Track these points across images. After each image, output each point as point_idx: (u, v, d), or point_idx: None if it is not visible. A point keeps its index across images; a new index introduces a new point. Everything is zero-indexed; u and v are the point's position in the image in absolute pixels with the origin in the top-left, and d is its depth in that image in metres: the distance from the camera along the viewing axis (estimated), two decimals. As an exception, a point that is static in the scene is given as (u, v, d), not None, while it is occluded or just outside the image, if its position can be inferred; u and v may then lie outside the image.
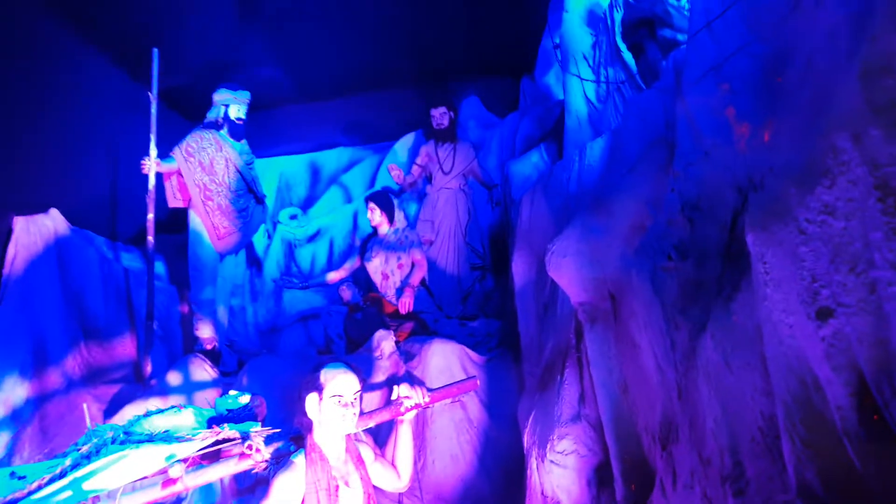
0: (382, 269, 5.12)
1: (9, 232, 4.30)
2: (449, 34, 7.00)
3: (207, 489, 3.23)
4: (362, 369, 2.57)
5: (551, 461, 2.88)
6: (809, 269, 1.40)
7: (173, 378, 4.20)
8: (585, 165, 3.67)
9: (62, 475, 2.04)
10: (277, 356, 5.12)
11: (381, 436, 3.23)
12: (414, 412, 2.60)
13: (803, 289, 1.41)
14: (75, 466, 2.06)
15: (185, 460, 2.22)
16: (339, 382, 2.39)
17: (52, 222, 4.51)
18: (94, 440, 2.15)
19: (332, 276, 5.36)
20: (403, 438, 2.62)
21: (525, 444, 3.27)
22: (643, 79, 4.33)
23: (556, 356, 3.29)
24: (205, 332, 5.06)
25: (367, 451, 2.56)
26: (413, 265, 5.10)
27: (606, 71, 4.79)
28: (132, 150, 5.26)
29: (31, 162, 4.69)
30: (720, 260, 2.10)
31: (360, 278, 5.61)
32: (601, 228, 2.86)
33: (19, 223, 4.34)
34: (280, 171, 8.30)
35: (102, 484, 2.06)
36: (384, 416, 2.59)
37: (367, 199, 5.23)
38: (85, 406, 2.88)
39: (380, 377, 3.94)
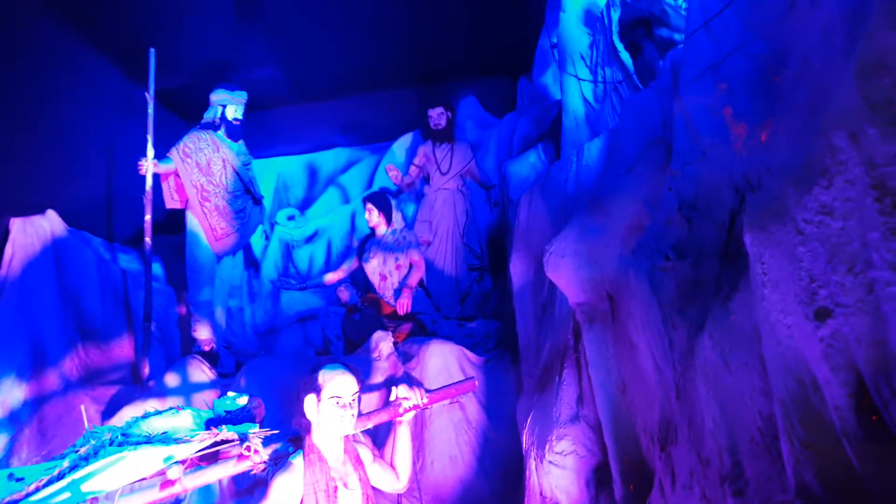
0: (380, 269, 5.12)
1: (5, 233, 4.29)
2: (446, 34, 7.00)
3: (206, 490, 3.22)
4: (360, 370, 2.56)
5: (550, 462, 2.88)
6: (807, 270, 1.40)
7: (171, 379, 4.20)
8: (583, 165, 3.67)
9: (60, 477, 2.04)
10: (275, 357, 5.13)
11: (379, 437, 3.23)
12: (412, 413, 2.60)
13: (801, 289, 1.41)
14: (73, 468, 2.06)
15: (183, 462, 2.22)
16: (338, 383, 2.39)
17: (49, 223, 4.50)
18: (93, 442, 2.15)
19: (330, 277, 5.35)
20: (402, 439, 2.62)
21: (524, 445, 3.27)
22: (640, 78, 4.33)
23: (555, 357, 3.29)
24: (202, 333, 5.05)
25: (365, 452, 2.56)
26: (411, 266, 5.10)
27: (604, 71, 4.79)
28: (129, 150, 5.25)
29: (27, 163, 4.68)
30: (718, 260, 2.10)
31: (358, 279, 5.60)
32: (599, 229, 2.86)
33: (16, 224, 4.33)
34: (278, 172, 8.29)
35: (101, 485, 2.06)
36: (382, 418, 2.59)
37: (365, 200, 5.23)
38: (83, 408, 2.88)
39: (378, 378, 3.94)
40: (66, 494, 2.01)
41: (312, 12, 6.22)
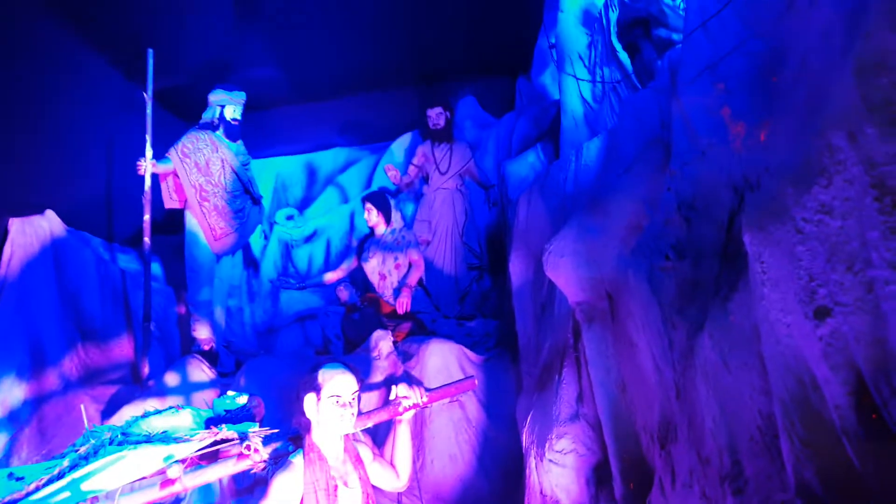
0: (380, 269, 5.12)
1: (5, 233, 4.29)
2: (445, 34, 6.99)
3: (206, 489, 3.23)
4: (360, 369, 2.57)
5: (550, 460, 2.89)
6: (807, 269, 1.40)
7: (171, 379, 4.20)
8: (582, 165, 3.67)
9: (60, 476, 2.04)
10: (275, 357, 5.13)
11: (379, 436, 3.23)
12: (412, 412, 2.60)
13: (800, 288, 1.41)
14: (73, 467, 2.06)
15: (183, 461, 2.22)
16: (337, 383, 2.39)
17: (48, 223, 4.50)
18: (92, 441, 2.15)
19: (330, 277, 5.36)
20: (402, 438, 2.63)
21: (523, 444, 3.28)
22: (639, 78, 4.34)
23: (554, 356, 3.29)
24: (202, 332, 5.05)
25: (365, 451, 2.56)
26: (410, 265, 5.10)
27: (602, 71, 4.80)
28: (128, 151, 5.24)
29: (26, 163, 4.67)
30: (717, 259, 2.10)
31: (358, 279, 5.60)
32: (598, 228, 2.87)
33: (15, 224, 4.33)
34: (276, 172, 8.29)
35: (101, 485, 2.06)
36: (382, 416, 2.59)
37: (364, 200, 5.23)
38: (82, 407, 2.88)
39: (378, 377, 3.94)
40: (66, 494, 2.01)
41: (311, 12, 6.22)
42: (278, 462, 2.39)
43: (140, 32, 5.61)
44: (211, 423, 2.42)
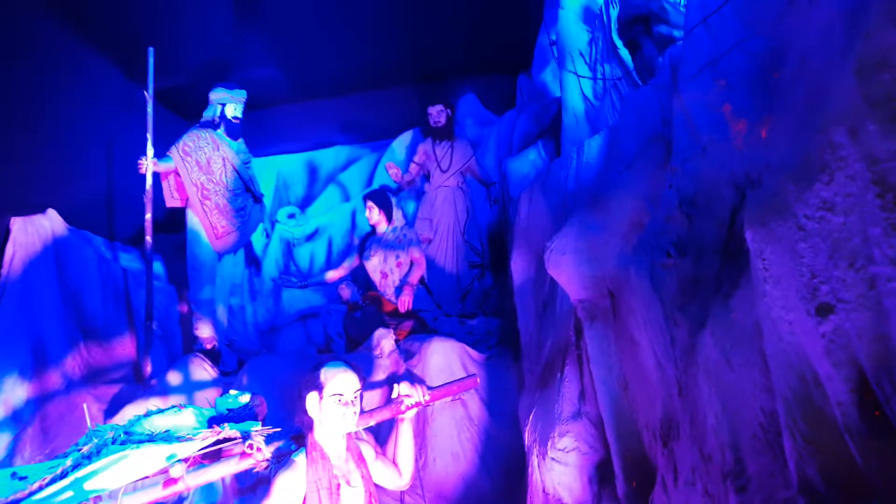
0: (381, 267, 5.12)
1: (6, 233, 4.29)
2: (446, 32, 6.99)
3: (209, 488, 3.23)
4: (362, 368, 2.57)
5: (552, 458, 2.89)
6: (809, 266, 1.40)
7: (173, 378, 4.20)
8: (583, 162, 3.67)
9: (63, 475, 2.04)
10: (277, 355, 5.13)
11: (381, 434, 3.23)
12: (414, 410, 2.61)
13: (802, 285, 1.41)
14: (76, 467, 2.06)
15: (185, 460, 2.23)
16: (340, 381, 2.39)
17: (50, 222, 4.50)
18: (95, 440, 2.15)
19: (331, 275, 5.36)
20: (404, 436, 2.63)
21: (526, 442, 3.28)
22: (640, 75, 4.33)
23: (556, 354, 3.29)
24: (204, 331, 5.06)
25: (368, 450, 2.56)
26: (412, 263, 5.10)
27: (603, 67, 4.80)
28: (129, 149, 5.25)
29: (28, 162, 4.68)
30: (719, 256, 2.10)
31: (359, 277, 5.61)
32: (599, 226, 2.86)
33: (17, 224, 4.33)
34: (278, 170, 8.29)
35: (104, 484, 2.06)
36: (385, 415, 2.59)
37: (366, 198, 5.23)
38: (85, 406, 2.89)
39: (380, 375, 3.94)
40: (69, 493, 2.01)
41: (312, 10, 6.21)
42: (281, 461, 2.40)
43: (140, 32, 5.61)
44: (213, 421, 2.42)
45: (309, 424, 2.44)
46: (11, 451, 3.70)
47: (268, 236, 7.28)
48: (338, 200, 7.88)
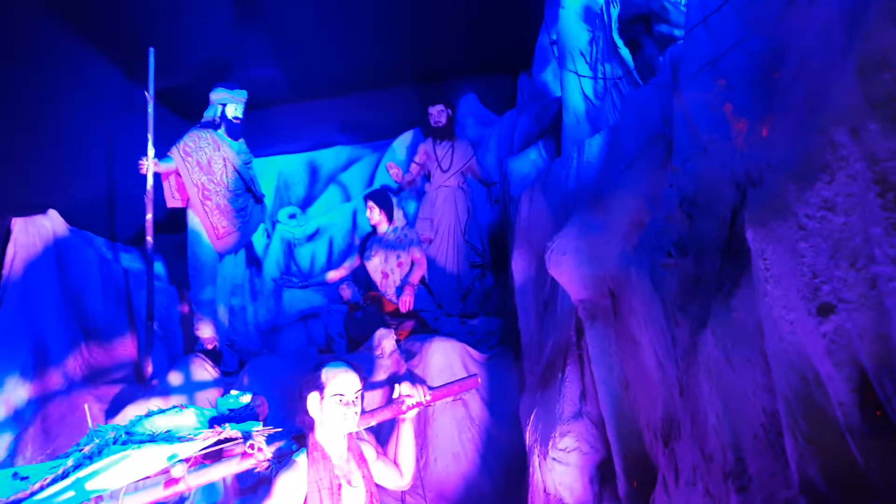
0: (382, 267, 5.12)
1: (7, 233, 4.30)
2: (446, 32, 6.99)
3: (210, 489, 3.23)
4: (363, 368, 2.57)
5: (553, 458, 2.89)
6: (810, 265, 1.40)
7: (174, 378, 4.20)
8: (584, 162, 3.66)
9: (64, 475, 2.04)
10: (278, 355, 5.13)
11: (382, 434, 3.23)
12: (415, 410, 2.61)
13: (804, 285, 1.41)
14: (78, 467, 2.07)
15: (187, 460, 2.23)
16: (341, 381, 2.40)
17: (51, 223, 4.51)
18: (96, 440, 2.15)
19: (332, 275, 5.36)
20: (405, 437, 2.63)
21: (527, 442, 3.28)
22: (640, 75, 4.33)
23: (557, 353, 3.29)
24: (205, 331, 5.06)
25: (369, 450, 2.57)
26: (413, 263, 5.10)
27: (603, 67, 4.80)
28: (130, 150, 5.26)
29: (28, 163, 4.68)
30: (720, 256, 2.10)
31: (360, 277, 5.61)
32: (600, 225, 2.86)
33: (18, 224, 4.34)
34: (278, 171, 8.30)
35: (105, 484, 2.07)
36: (386, 415, 2.60)
37: (366, 198, 5.23)
38: (86, 406, 2.89)
39: (381, 376, 3.94)
40: (71, 493, 2.01)
41: (312, 10, 6.22)
42: (282, 461, 2.40)
43: (140, 32, 5.61)
44: (214, 422, 2.42)
45: (310, 424, 2.45)
46: (13, 452, 3.70)
47: (269, 236, 7.28)
48: (339, 200, 7.88)
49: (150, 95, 4.74)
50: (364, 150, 8.35)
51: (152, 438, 2.22)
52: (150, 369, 4.54)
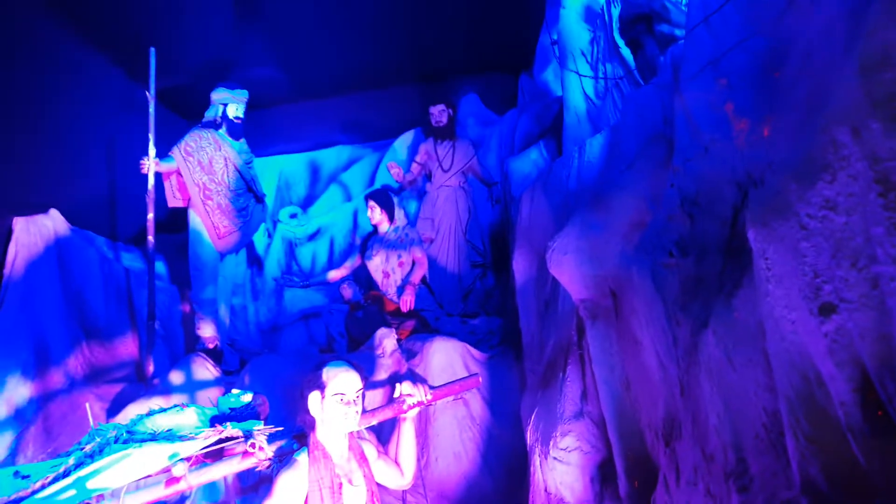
0: (383, 267, 5.12)
1: (9, 232, 4.30)
2: (447, 32, 6.99)
3: (211, 487, 3.24)
4: (364, 367, 2.57)
5: (554, 458, 2.89)
6: (811, 265, 1.40)
7: (175, 377, 4.21)
8: (585, 162, 3.66)
9: (66, 474, 2.04)
10: (279, 355, 5.13)
11: (383, 434, 3.23)
12: (416, 410, 2.61)
13: (805, 284, 1.41)
14: (79, 465, 2.07)
15: (188, 459, 2.23)
16: (342, 380, 2.40)
17: (52, 222, 4.51)
18: (98, 439, 2.15)
19: (333, 275, 5.36)
20: (406, 436, 2.63)
21: (528, 441, 3.28)
22: (641, 74, 4.33)
23: (558, 353, 3.29)
24: (206, 331, 5.06)
25: (370, 449, 2.57)
26: (414, 263, 5.10)
27: (604, 67, 4.79)
28: (131, 149, 5.26)
29: (29, 162, 4.69)
30: (721, 256, 2.09)
31: (361, 276, 5.61)
32: (601, 225, 2.86)
33: (19, 224, 4.34)
34: (279, 170, 8.30)
35: (106, 483, 2.07)
36: (387, 414, 2.60)
37: (367, 198, 5.23)
38: (87, 405, 2.90)
39: (382, 375, 3.94)
40: (72, 492, 2.02)
41: (312, 10, 6.22)
42: (283, 460, 2.40)
43: (141, 32, 5.61)
44: (216, 421, 2.43)
45: (311, 424, 2.45)
46: (14, 450, 3.71)
47: (270, 236, 7.28)
48: (340, 200, 7.88)
49: (150, 95, 4.75)
50: (365, 149, 8.35)
51: (153, 437, 2.22)
52: (151, 368, 4.54)
